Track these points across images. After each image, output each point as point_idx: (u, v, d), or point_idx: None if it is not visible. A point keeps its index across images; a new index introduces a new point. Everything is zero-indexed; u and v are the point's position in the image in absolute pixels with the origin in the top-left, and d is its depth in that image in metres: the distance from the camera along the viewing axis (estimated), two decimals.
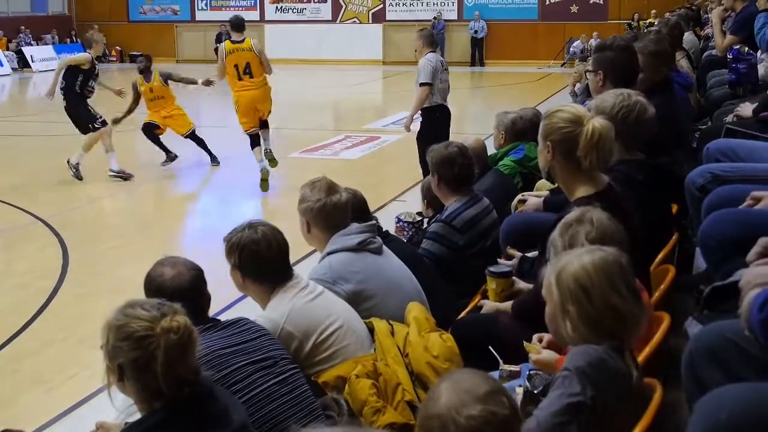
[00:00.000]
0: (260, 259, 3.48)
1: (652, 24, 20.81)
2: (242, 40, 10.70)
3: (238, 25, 10.82)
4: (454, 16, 30.64)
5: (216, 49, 11.85)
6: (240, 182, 11.87)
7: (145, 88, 12.50)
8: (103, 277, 7.77)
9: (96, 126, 11.22)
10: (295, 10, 32.43)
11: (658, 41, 5.99)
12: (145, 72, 12.67)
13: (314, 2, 32.10)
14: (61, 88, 11.30)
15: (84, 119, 11.29)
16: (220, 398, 2.65)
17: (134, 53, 33.11)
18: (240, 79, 10.64)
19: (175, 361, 2.48)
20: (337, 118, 19.88)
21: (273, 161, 11.22)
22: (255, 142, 11.06)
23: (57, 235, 9.03)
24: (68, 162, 11.35)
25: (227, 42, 10.83)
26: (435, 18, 29.62)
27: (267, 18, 32.52)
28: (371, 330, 3.66)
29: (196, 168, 13.39)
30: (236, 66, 10.61)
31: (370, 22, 31.49)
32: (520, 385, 2.93)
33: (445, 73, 9.42)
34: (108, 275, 7.79)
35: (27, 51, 30.72)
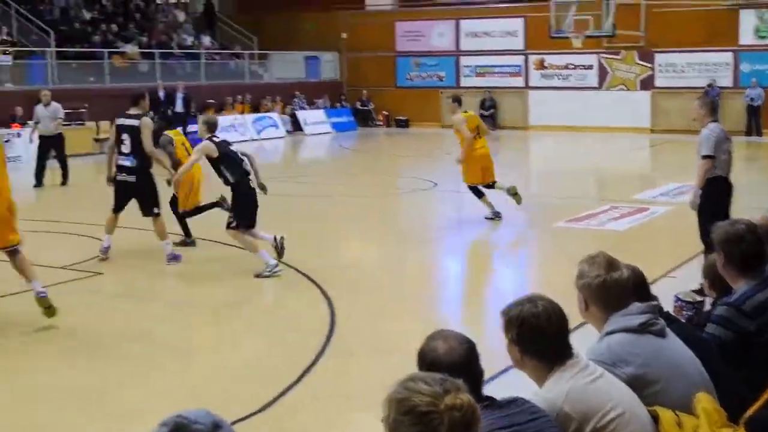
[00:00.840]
0: (540, 334, 3.35)
1: None
2: (465, 111, 13.46)
3: (460, 100, 13.50)
4: (729, 82, 29.25)
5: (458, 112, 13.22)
6: (506, 252, 11.84)
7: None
8: (369, 335, 7.91)
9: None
10: (560, 77, 32.33)
11: None
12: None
13: (580, 69, 31.84)
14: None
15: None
16: None
17: (400, 118, 34.39)
18: (476, 139, 12.95)
19: None
20: (602, 187, 19.45)
21: (517, 195, 13.09)
22: (480, 193, 13.12)
23: (321, 289, 9.30)
24: None
25: (461, 113, 13.11)
26: (709, 85, 28.43)
27: (531, 84, 32.64)
28: (655, 419, 3.41)
29: (457, 232, 13.54)
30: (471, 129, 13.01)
31: (638, 89, 30.76)
32: None
33: (728, 143, 8.90)
34: (374, 333, 7.92)
35: (300, 115, 32.55)
